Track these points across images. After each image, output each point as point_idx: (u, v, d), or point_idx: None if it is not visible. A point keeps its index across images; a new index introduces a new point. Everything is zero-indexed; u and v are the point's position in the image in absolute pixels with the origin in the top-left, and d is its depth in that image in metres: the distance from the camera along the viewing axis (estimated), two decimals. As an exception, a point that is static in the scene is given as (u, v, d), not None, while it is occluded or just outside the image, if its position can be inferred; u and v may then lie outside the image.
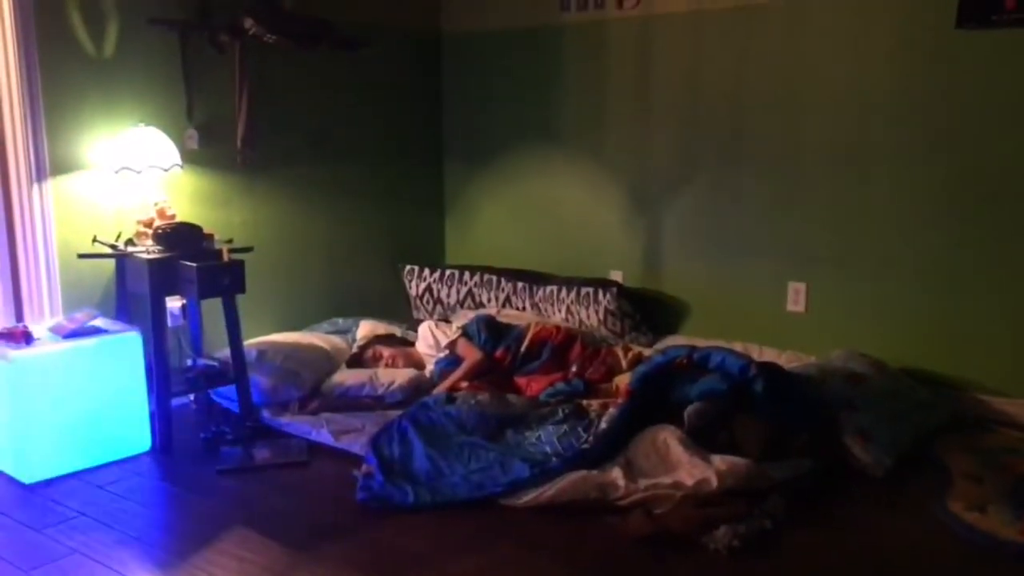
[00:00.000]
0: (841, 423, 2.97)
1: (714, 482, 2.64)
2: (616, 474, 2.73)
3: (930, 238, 3.61)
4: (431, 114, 5.00)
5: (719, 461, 2.70)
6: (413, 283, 4.83)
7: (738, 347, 4.08)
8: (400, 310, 4.85)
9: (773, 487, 2.69)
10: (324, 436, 3.24)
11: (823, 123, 3.82)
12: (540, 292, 4.47)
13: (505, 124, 4.81)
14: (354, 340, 4.16)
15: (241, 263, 3.25)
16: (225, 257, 3.21)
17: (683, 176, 4.25)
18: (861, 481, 2.86)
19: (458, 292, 4.69)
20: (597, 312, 4.25)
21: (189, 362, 3.63)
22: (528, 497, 2.69)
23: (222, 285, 3.18)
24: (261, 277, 4.03)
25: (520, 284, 4.55)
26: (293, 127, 4.25)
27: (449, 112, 5.02)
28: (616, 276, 4.49)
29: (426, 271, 4.80)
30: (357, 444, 3.12)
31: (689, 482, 2.64)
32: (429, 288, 4.77)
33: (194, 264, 3.11)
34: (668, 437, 2.79)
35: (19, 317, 3.39)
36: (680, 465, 2.70)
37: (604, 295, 4.23)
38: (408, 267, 4.85)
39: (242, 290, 3.27)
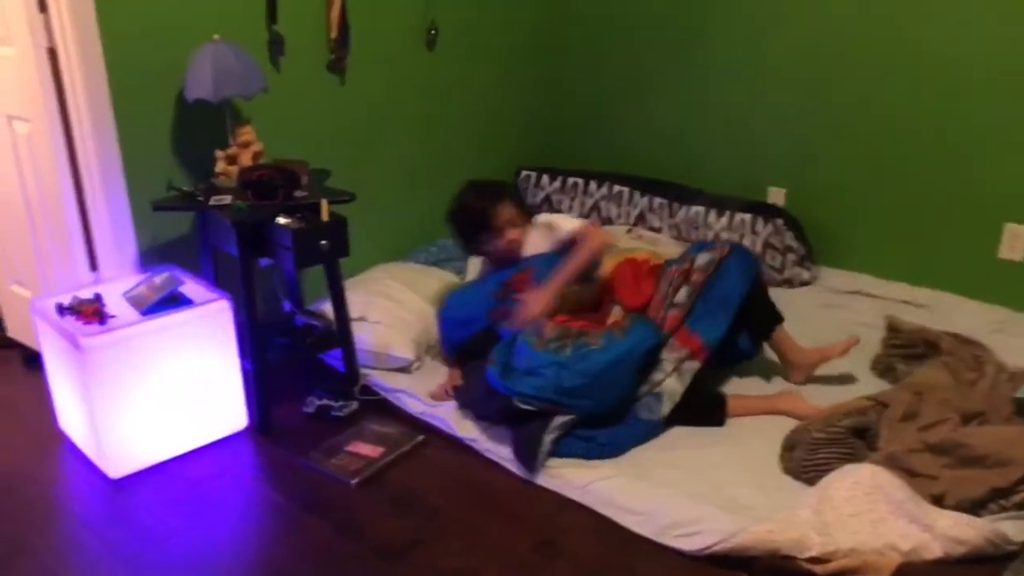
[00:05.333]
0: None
1: (936, 549, 2.09)
2: (807, 518, 2.20)
3: None
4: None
5: (944, 520, 2.13)
6: (529, 191, 4.20)
7: (924, 294, 3.41)
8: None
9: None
10: (442, 421, 2.79)
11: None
12: (682, 212, 3.79)
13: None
14: (462, 272, 3.61)
15: (344, 222, 2.68)
16: (324, 215, 2.64)
17: (875, 70, 3.39)
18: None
19: (582, 205, 4.07)
20: (754, 243, 3.57)
21: (286, 307, 3.18)
22: (702, 544, 2.20)
23: (322, 250, 2.63)
24: (360, 195, 3.47)
25: (658, 200, 3.88)
26: (394, 19, 3.52)
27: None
28: (776, 195, 3.76)
29: (544, 178, 4.15)
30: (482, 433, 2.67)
31: (904, 547, 2.10)
32: (548, 199, 4.15)
33: (289, 227, 2.56)
34: (881, 478, 2.22)
35: (93, 266, 2.95)
36: (891, 519, 2.14)
37: (766, 225, 3.54)
38: (524, 172, 4.21)
39: (345, 253, 2.72)
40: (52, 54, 2.70)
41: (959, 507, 2.20)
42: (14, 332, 3.30)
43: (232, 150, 2.88)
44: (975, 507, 2.22)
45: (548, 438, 2.49)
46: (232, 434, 2.79)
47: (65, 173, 2.81)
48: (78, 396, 2.55)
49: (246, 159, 2.88)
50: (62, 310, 2.56)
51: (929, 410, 2.46)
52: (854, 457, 2.38)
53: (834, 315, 3.36)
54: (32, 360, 3.08)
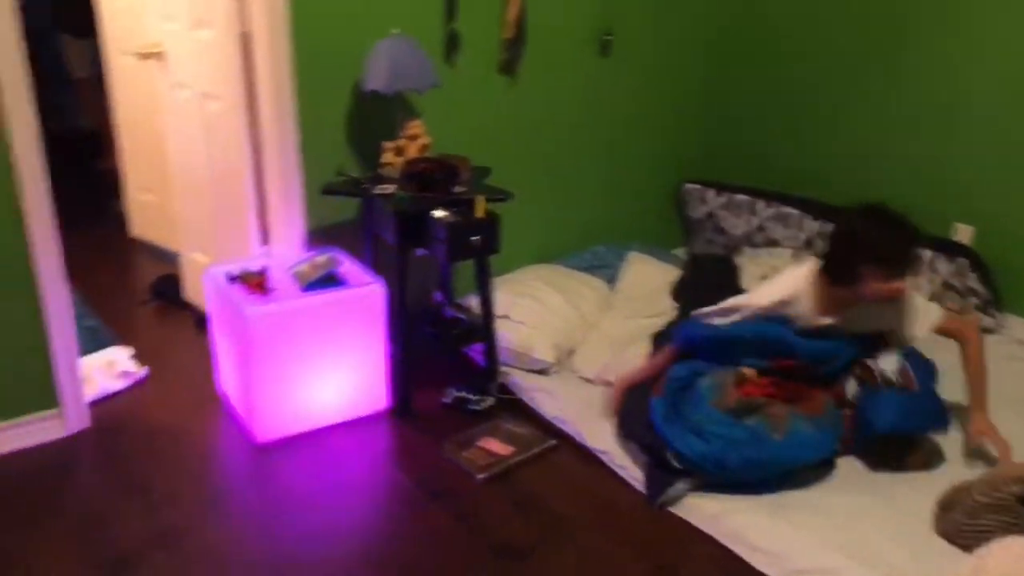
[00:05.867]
0: None
1: (1112, 645, 1.85)
2: (959, 589, 2.01)
3: None
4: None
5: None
6: (692, 205, 4.09)
7: None
8: (671, 236, 4.16)
9: None
10: (574, 429, 2.76)
11: None
12: (854, 241, 3.56)
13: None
14: (612, 281, 3.57)
15: (497, 219, 2.70)
16: (479, 211, 2.67)
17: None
18: None
19: (748, 223, 3.91)
20: (931, 282, 3.32)
21: (437, 297, 3.25)
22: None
23: (474, 245, 2.67)
24: (518, 195, 3.48)
25: (830, 226, 3.66)
26: (570, 23, 3.52)
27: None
28: (963, 232, 3.46)
29: (710, 193, 4.02)
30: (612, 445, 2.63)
31: (1073, 636, 1.87)
32: (711, 214, 4.02)
33: (444, 220, 2.62)
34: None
35: (264, 240, 3.13)
36: (1059, 602, 1.92)
37: (947, 264, 3.28)
38: (688, 186, 4.10)
39: (496, 250, 2.74)
40: (246, 39, 2.88)
41: None
42: (191, 296, 3.56)
43: (400, 142, 2.97)
44: None
45: (682, 486, 2.42)
46: (373, 413, 2.88)
47: (247, 151, 2.99)
48: (237, 361, 2.71)
49: (413, 151, 2.95)
50: (231, 279, 2.73)
51: (1117, 488, 2.18)
52: (1019, 528, 2.15)
53: (1019, 369, 3.06)
54: (202, 323, 3.30)
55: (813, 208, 3.75)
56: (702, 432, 2.39)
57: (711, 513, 2.35)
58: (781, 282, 2.63)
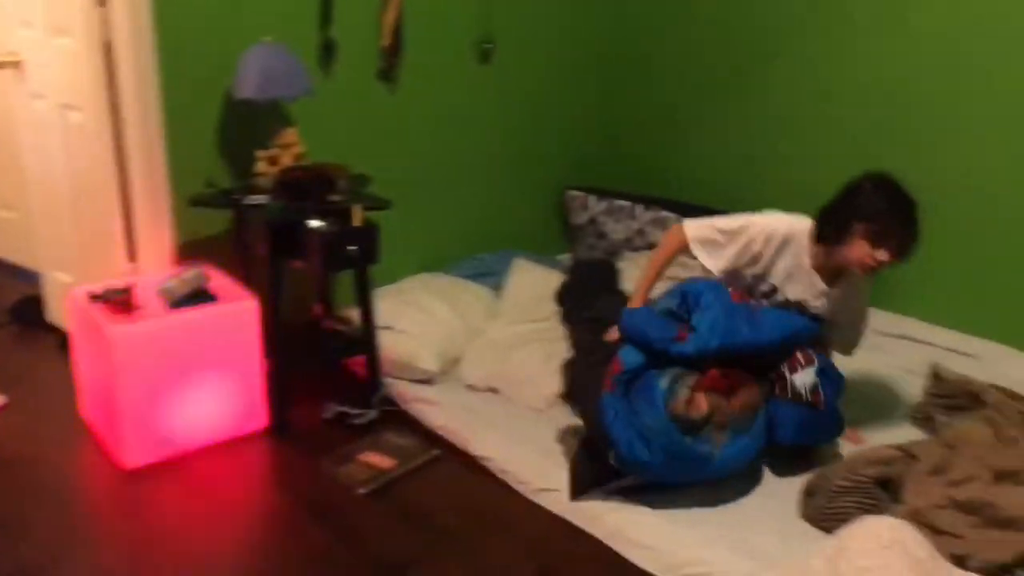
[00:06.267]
0: None
1: (961, 615, 1.97)
2: (819, 568, 2.09)
3: None
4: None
5: (969, 583, 2.02)
6: (575, 212, 4.16)
7: (974, 344, 3.27)
8: (555, 243, 4.21)
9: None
10: (458, 438, 2.75)
11: None
12: (729, 243, 3.70)
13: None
14: (498, 288, 3.59)
15: (375, 228, 2.68)
16: (356, 220, 2.65)
17: (934, 119, 3.28)
18: None
19: (628, 228, 4.00)
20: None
21: (315, 310, 3.20)
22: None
23: (351, 255, 2.64)
24: (400, 204, 3.45)
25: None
26: (449, 31, 3.53)
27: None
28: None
29: (591, 199, 4.10)
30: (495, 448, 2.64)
31: (925, 609, 1.98)
32: (593, 220, 4.09)
33: (319, 230, 2.58)
34: (901, 532, 2.11)
35: (131, 257, 3.01)
36: (912, 579, 2.03)
37: (809, 261, 3.43)
38: (570, 192, 4.17)
39: (375, 260, 2.72)
40: (107, 47, 2.77)
41: (983, 570, 2.08)
42: (53, 317, 3.38)
43: (274, 151, 2.91)
44: (1001, 571, 2.10)
45: (607, 488, 2.45)
46: (249, 433, 2.79)
47: (111, 164, 2.87)
48: (101, 384, 2.59)
49: (287, 160, 2.90)
50: (94, 298, 2.61)
51: (961, 465, 2.33)
52: (876, 508, 2.27)
53: (875, 359, 3.23)
54: (66, 346, 3.14)
55: (690, 211, 3.86)
56: (648, 440, 2.32)
57: (593, 513, 2.38)
58: (784, 217, 2.62)
